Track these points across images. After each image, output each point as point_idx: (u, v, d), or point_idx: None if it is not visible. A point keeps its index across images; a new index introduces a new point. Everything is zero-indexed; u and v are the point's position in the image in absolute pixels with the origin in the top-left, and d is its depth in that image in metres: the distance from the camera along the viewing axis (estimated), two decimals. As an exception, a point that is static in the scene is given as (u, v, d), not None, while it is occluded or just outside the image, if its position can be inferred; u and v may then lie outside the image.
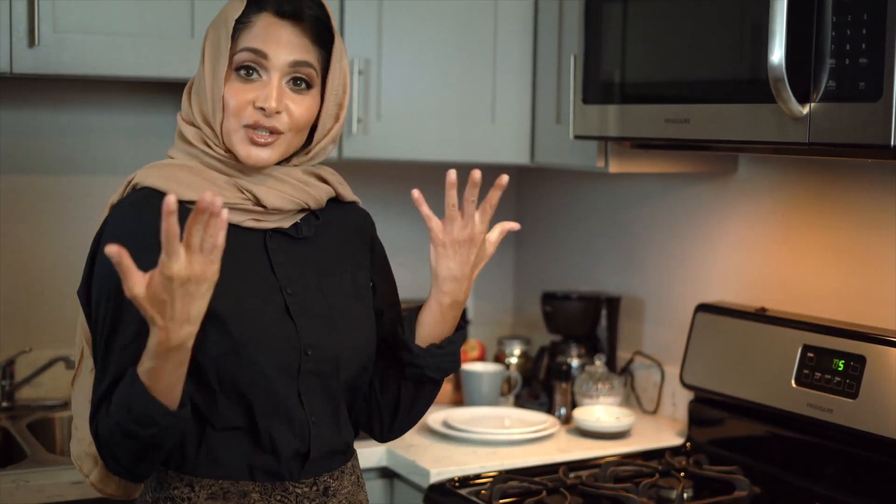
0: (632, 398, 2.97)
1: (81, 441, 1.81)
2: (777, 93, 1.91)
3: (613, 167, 2.53)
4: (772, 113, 1.96)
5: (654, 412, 2.90)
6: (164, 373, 1.56)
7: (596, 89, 2.37)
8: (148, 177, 1.74)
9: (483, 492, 2.32)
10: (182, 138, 1.79)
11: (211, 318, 1.58)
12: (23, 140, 2.81)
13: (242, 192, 1.75)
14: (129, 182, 1.76)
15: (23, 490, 2.28)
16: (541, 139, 2.69)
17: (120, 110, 2.90)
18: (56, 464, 2.37)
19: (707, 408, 2.61)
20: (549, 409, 2.84)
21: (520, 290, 3.42)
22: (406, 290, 3.29)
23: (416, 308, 1.87)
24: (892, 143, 1.79)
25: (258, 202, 1.75)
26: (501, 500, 2.25)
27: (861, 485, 2.24)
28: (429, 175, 3.28)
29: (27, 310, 2.82)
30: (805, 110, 1.91)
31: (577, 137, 2.44)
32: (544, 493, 2.27)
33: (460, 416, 2.74)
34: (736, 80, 2.06)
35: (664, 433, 2.74)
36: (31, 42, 2.39)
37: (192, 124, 1.78)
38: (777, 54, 1.90)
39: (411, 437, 2.65)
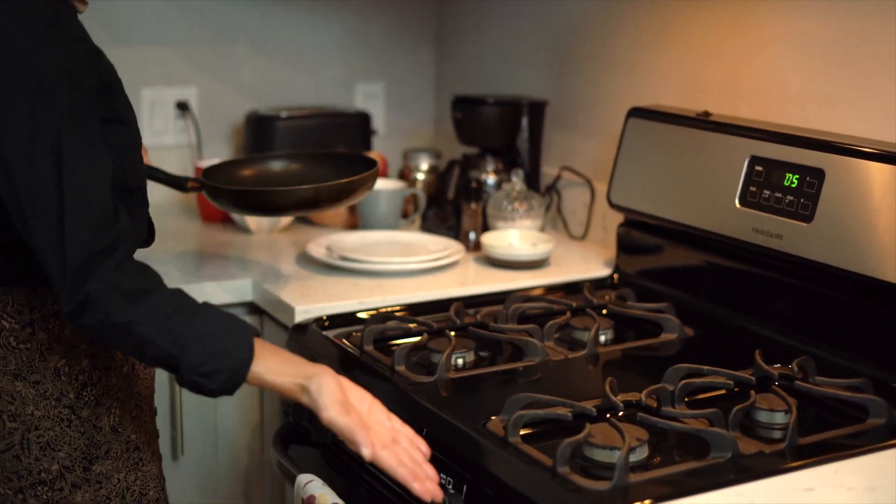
0: (558, 222, 2.54)
1: None
2: None
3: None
4: None
5: (583, 238, 2.48)
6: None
7: None
8: None
9: (355, 334, 1.90)
10: None
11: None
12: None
13: None
14: None
15: None
16: None
17: None
18: None
19: (638, 233, 2.18)
20: (458, 235, 2.41)
21: (441, 98, 2.96)
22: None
23: None
24: None
25: None
26: (372, 345, 1.84)
27: (811, 325, 1.82)
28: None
29: None
30: None
31: None
32: (425, 335, 1.85)
33: (347, 242, 2.31)
34: None
35: (591, 263, 2.32)
36: None
37: None
38: None
39: (287, 266, 2.23)
